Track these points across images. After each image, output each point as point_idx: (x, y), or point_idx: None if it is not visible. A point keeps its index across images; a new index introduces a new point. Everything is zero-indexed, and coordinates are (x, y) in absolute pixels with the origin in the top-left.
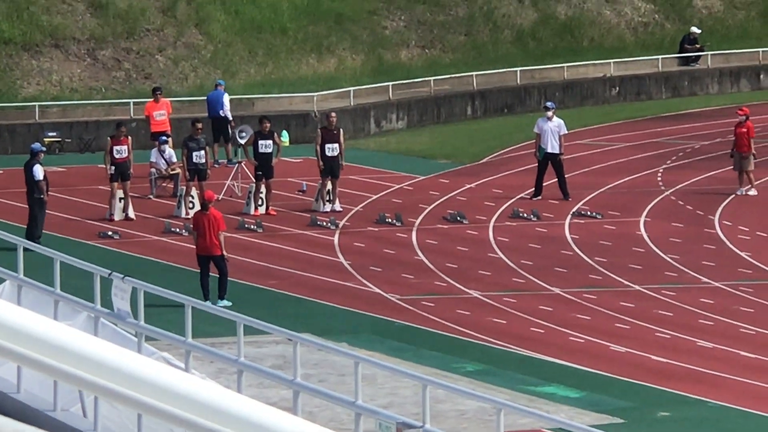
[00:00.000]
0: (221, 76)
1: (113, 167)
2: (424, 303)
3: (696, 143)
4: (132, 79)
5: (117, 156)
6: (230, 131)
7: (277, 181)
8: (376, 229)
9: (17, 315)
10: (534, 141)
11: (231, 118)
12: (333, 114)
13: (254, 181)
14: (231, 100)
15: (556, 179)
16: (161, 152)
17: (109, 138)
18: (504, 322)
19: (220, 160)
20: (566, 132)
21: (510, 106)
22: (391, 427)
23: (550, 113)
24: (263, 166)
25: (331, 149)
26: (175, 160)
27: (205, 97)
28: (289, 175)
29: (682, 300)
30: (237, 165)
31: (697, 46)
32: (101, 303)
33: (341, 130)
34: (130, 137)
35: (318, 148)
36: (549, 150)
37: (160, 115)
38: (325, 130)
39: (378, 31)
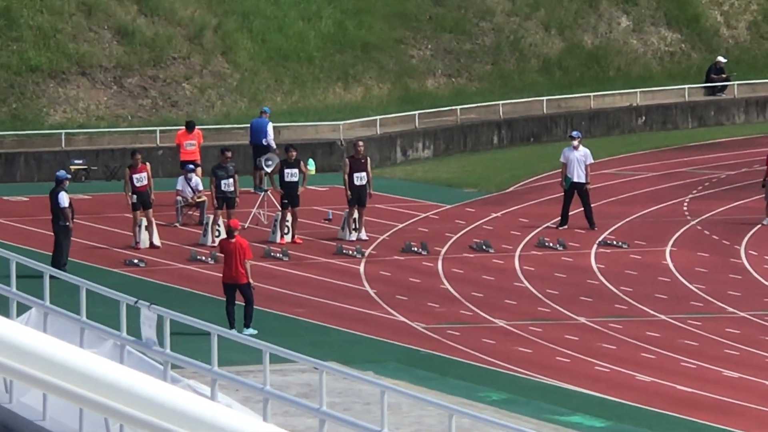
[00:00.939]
0: (247, 104)
1: (134, 195)
2: (449, 332)
3: (722, 173)
4: (158, 107)
5: (137, 184)
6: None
7: (303, 210)
8: (402, 258)
9: (43, 343)
10: (560, 170)
11: (275, 147)
12: (360, 143)
13: (280, 209)
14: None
15: (582, 208)
16: (188, 180)
17: (127, 168)
18: (530, 351)
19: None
20: (592, 161)
21: (536, 135)
22: None
23: (575, 142)
24: (289, 195)
25: (359, 178)
26: (201, 188)
27: (232, 125)
28: (315, 203)
29: (707, 330)
30: (263, 193)
31: (724, 75)
32: (127, 331)
33: (369, 159)
34: (148, 164)
35: (345, 177)
36: (575, 179)
37: (191, 145)
38: (353, 158)
39: (404, 60)
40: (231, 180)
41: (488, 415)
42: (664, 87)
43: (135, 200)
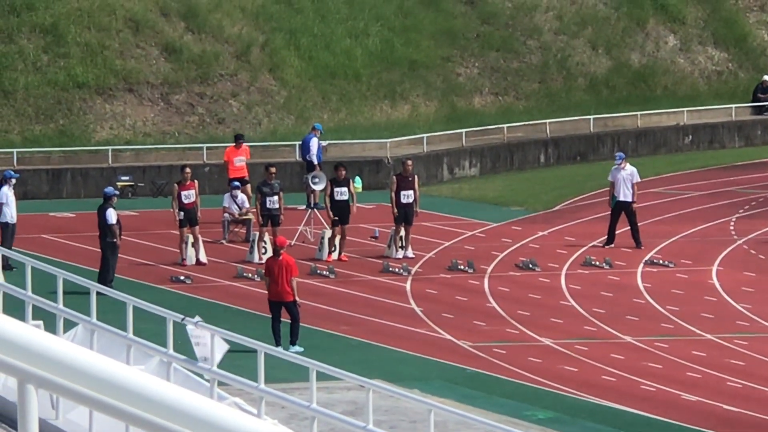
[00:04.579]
0: (294, 121)
1: (182, 213)
2: (495, 350)
3: None
4: (205, 123)
5: (185, 201)
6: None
7: (349, 227)
8: (449, 276)
9: (89, 359)
10: (608, 189)
11: (316, 163)
12: (409, 161)
13: (330, 227)
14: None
15: (629, 227)
16: (233, 197)
17: (176, 184)
18: (576, 369)
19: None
20: (639, 180)
21: (583, 154)
22: None
23: (619, 163)
24: (339, 213)
25: (406, 196)
26: (247, 205)
27: (279, 143)
28: (362, 221)
29: (754, 349)
30: (311, 211)
31: None
32: (174, 348)
33: (416, 177)
34: (196, 181)
35: (393, 194)
36: (621, 198)
37: (240, 161)
38: (400, 176)
39: (451, 78)
40: (276, 197)
41: None
42: (711, 106)
43: (182, 217)
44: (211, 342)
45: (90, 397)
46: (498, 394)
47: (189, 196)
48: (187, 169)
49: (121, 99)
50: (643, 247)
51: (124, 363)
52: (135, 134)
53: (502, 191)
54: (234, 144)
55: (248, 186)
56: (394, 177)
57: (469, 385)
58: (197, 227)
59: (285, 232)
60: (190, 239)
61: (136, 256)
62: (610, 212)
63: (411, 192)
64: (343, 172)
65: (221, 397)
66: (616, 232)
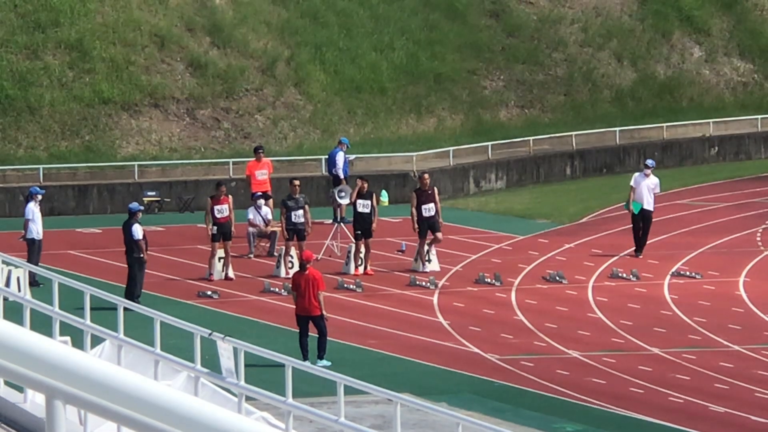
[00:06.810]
0: (320, 135)
1: (215, 227)
2: (523, 363)
3: None
4: (231, 138)
5: (218, 216)
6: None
7: (376, 241)
8: (476, 289)
9: (117, 375)
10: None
11: (342, 177)
12: (426, 175)
13: (353, 241)
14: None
15: (635, 232)
16: (258, 208)
17: (209, 198)
18: (603, 382)
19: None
20: (659, 192)
21: (609, 166)
22: None
23: (648, 171)
24: (362, 226)
25: (427, 209)
26: (270, 217)
27: (305, 157)
28: (389, 234)
29: None
30: (337, 225)
31: None
32: (201, 363)
33: (436, 189)
34: (230, 196)
35: (414, 210)
36: (645, 206)
37: (262, 175)
38: (419, 191)
39: (477, 91)
40: (301, 211)
41: None
42: (737, 117)
43: (215, 231)
44: (236, 356)
45: (118, 413)
46: (526, 406)
47: (222, 210)
48: (223, 187)
49: (146, 114)
50: (641, 256)
51: (152, 378)
52: (161, 149)
53: (529, 204)
54: (254, 157)
55: (270, 201)
56: (413, 192)
57: (497, 398)
58: (230, 242)
59: (311, 246)
60: (220, 254)
61: (162, 271)
62: (631, 221)
63: (432, 205)
64: (366, 185)
65: (249, 411)
66: (648, 241)
